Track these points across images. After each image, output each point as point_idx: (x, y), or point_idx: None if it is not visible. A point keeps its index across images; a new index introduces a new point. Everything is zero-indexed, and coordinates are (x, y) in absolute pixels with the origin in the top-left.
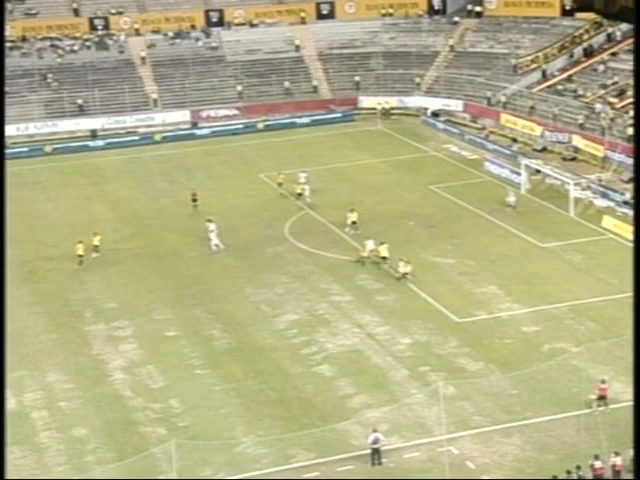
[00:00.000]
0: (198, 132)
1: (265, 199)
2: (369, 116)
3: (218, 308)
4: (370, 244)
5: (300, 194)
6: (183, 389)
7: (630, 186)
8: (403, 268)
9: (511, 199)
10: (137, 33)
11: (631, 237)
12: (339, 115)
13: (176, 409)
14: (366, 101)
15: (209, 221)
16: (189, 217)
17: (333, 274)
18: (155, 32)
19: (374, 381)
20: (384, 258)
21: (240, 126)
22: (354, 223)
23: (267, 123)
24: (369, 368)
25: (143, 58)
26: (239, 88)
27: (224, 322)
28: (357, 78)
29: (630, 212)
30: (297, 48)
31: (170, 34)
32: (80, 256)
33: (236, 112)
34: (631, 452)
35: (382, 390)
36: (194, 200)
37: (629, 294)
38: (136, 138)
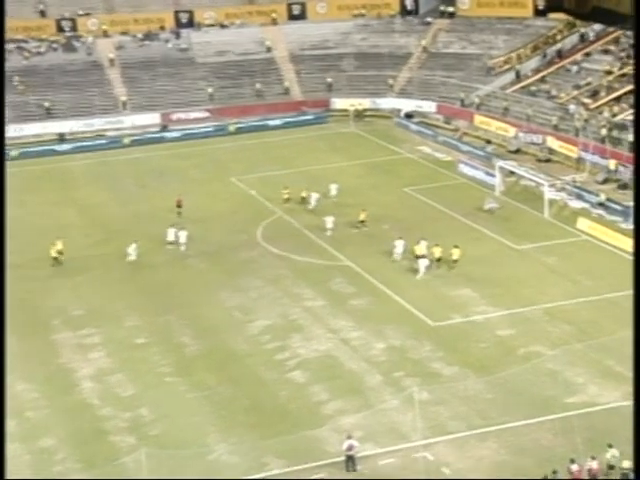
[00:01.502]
0: (168, 135)
1: (237, 203)
2: (342, 118)
3: (190, 314)
4: (400, 245)
5: (304, 198)
6: (153, 397)
7: (605, 187)
8: (438, 253)
9: (492, 205)
10: (105, 35)
11: (606, 239)
12: (311, 117)
13: (146, 418)
14: (339, 103)
15: (177, 227)
16: (161, 222)
17: (306, 278)
18: (124, 34)
19: (348, 387)
20: (439, 260)
21: (211, 129)
22: (362, 222)
23: (239, 125)
24: (343, 373)
25: (112, 60)
26: (210, 90)
27: (196, 328)
28: (329, 79)
29: (605, 213)
30: (268, 49)
31: (139, 35)
32: (55, 258)
33: (207, 114)
34: (607, 455)
35: (356, 396)
36: (179, 206)
37: (604, 296)
38: (105, 141)
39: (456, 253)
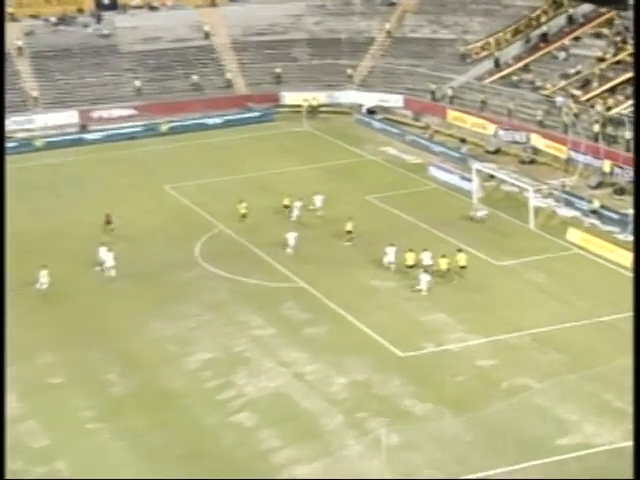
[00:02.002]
0: (88, 137)
1: (172, 215)
2: (293, 115)
3: (116, 347)
4: (391, 253)
5: (287, 206)
6: (73, 448)
7: (599, 192)
8: (445, 265)
9: (482, 213)
10: (12, 18)
11: (601, 252)
12: (258, 114)
13: (64, 472)
14: (289, 97)
15: (107, 247)
16: (82, 240)
17: (254, 303)
18: (34, 17)
19: (304, 430)
20: (463, 267)
21: (139, 129)
22: (349, 233)
23: (172, 125)
24: (298, 415)
25: (20, 48)
26: (137, 84)
27: (123, 364)
28: (278, 70)
29: (599, 222)
30: (206, 35)
31: (52, 19)
32: None
33: (134, 112)
34: None
35: (313, 441)
36: (108, 223)
37: (600, 318)
38: (13, 145)
39: (462, 259)
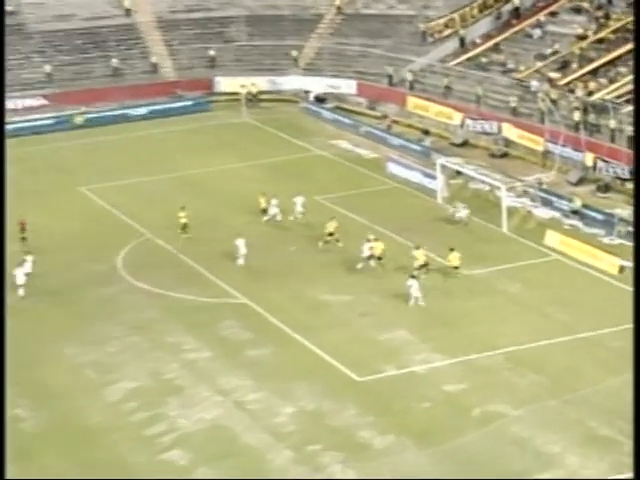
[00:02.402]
0: None
1: (90, 222)
2: (230, 104)
3: (25, 376)
4: (366, 247)
5: (265, 210)
6: None
7: (580, 190)
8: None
9: (462, 213)
10: None
11: (584, 258)
12: (189, 103)
13: None
14: (225, 83)
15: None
16: None
17: (187, 322)
18: None
19: (246, 468)
20: (456, 268)
21: (50, 121)
22: (330, 235)
23: (88, 116)
24: (239, 450)
25: None
26: (47, 68)
27: (34, 396)
28: (212, 52)
29: (581, 224)
30: (127, 12)
31: None
32: None
33: (44, 102)
34: None
35: None
36: (23, 230)
37: (584, 334)
38: None
39: (455, 258)
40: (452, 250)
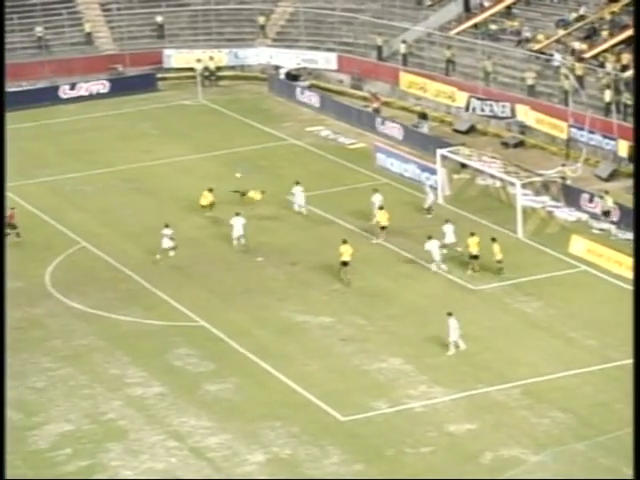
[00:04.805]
0: None
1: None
2: (183, 82)
3: None
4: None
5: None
6: None
7: (612, 186)
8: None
9: (429, 199)
10: None
11: (616, 269)
12: (132, 81)
13: None
14: (177, 57)
15: None
16: None
17: (130, 350)
18: None
19: None
20: (475, 257)
21: None
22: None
23: (6, 98)
24: None
25: None
26: None
27: None
28: (159, 19)
29: (613, 228)
30: None
31: None
32: None
33: None
34: None
35: None
36: (12, 227)
37: (617, 362)
38: None
39: (497, 250)
40: (494, 240)
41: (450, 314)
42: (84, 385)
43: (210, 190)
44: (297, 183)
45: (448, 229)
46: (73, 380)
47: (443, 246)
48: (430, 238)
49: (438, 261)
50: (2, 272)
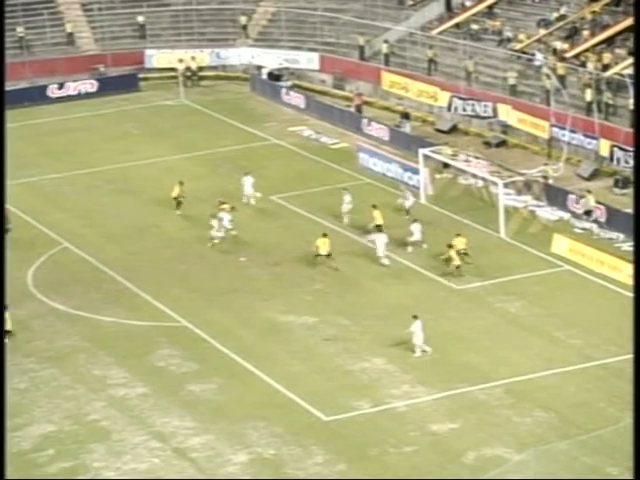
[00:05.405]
0: None
1: None
2: (165, 82)
3: None
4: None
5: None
6: None
7: (594, 185)
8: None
9: (408, 201)
10: None
11: (599, 268)
12: (113, 82)
13: None
14: (159, 57)
15: None
16: None
17: (113, 351)
18: None
19: None
20: (465, 254)
21: None
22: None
23: None
24: None
25: None
26: None
27: None
28: (141, 19)
29: (595, 227)
30: None
31: None
32: None
33: None
34: None
35: None
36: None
37: (600, 361)
38: None
39: (461, 242)
40: (458, 235)
41: (416, 317)
42: (67, 386)
43: (181, 183)
44: (246, 174)
45: (415, 228)
46: (56, 381)
47: (412, 244)
48: (380, 231)
49: (381, 255)
50: (2, 272)
